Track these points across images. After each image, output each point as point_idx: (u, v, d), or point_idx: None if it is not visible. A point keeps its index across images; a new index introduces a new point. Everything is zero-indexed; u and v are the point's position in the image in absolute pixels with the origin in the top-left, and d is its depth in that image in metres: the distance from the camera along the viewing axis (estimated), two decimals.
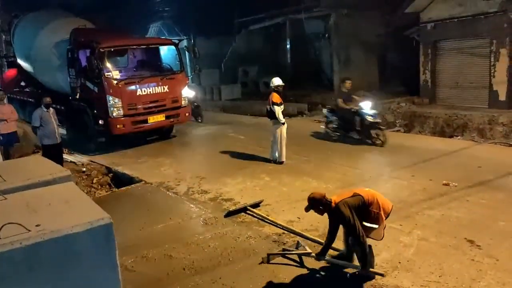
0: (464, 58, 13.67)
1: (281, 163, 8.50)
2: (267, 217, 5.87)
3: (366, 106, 9.49)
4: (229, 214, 6.08)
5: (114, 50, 10.73)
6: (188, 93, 12.50)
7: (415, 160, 8.16)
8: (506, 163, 7.74)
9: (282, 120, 8.38)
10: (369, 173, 7.68)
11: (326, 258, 4.44)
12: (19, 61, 13.61)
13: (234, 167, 8.57)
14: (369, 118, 9.39)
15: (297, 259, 4.70)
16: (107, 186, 8.59)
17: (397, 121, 13.44)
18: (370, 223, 4.09)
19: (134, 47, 11.64)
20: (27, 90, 14.17)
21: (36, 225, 1.82)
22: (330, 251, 4.54)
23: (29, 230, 1.77)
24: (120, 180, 8.58)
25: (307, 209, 4.25)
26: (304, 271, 4.49)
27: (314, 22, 19.07)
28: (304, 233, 5.26)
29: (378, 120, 9.59)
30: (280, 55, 21.37)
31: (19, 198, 2.22)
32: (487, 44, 12.78)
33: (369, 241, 4.20)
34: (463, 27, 13.22)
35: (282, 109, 8.38)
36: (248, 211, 6.12)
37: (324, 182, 7.25)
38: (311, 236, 5.16)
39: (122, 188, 7.93)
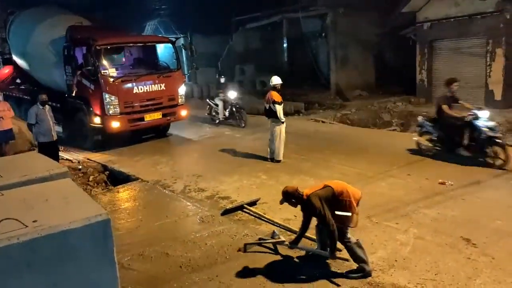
0: (460, 57, 13.71)
1: (279, 161, 8.51)
2: (264, 215, 5.87)
3: (483, 115, 7.54)
4: (226, 212, 6.08)
5: (111, 48, 10.70)
6: (231, 94, 12.49)
7: (410, 159, 8.19)
8: None
9: (283, 119, 8.40)
10: (366, 172, 7.69)
11: (298, 246, 4.73)
12: (15, 58, 13.50)
13: (231, 165, 8.56)
14: (487, 131, 7.40)
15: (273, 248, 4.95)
16: (103, 184, 8.57)
17: (393, 120, 13.48)
18: (343, 211, 4.26)
19: (131, 44, 11.60)
20: (23, 87, 14.06)
21: (33, 221, 1.81)
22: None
23: (26, 226, 1.76)
24: (116, 178, 8.56)
25: (281, 202, 4.50)
26: (295, 266, 4.50)
27: (311, 21, 19.08)
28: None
29: (499, 134, 7.64)
30: (277, 54, 21.38)
31: (16, 194, 2.21)
32: (483, 44, 12.84)
33: (357, 235, 4.40)
34: (459, 27, 13.27)
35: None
36: (244, 209, 6.13)
37: (321, 181, 7.23)
38: (307, 234, 5.16)
39: (118, 186, 7.91)
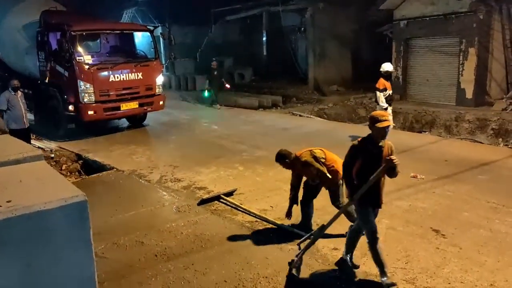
0: (434, 56, 14.05)
1: None
2: (240, 205, 5.90)
3: None
4: (203, 202, 6.08)
5: (86, 34, 10.46)
6: None
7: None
8: (471, 158, 8.05)
9: (383, 106, 8.47)
10: None
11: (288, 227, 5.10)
12: None
13: (208, 156, 8.54)
14: None
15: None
16: (77, 173, 8.42)
17: (368, 116, 13.72)
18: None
19: (108, 31, 11.35)
20: None
21: (7, 201, 1.77)
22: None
23: (0, 206, 1.72)
24: (91, 167, 8.42)
25: (276, 160, 5.00)
26: (279, 254, 4.55)
27: (290, 15, 19.15)
28: (276, 221, 5.33)
29: None
30: (256, 47, 21.38)
31: None
32: (457, 43, 13.18)
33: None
34: (434, 26, 13.58)
35: (386, 95, 8.50)
36: (221, 200, 6.14)
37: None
38: (285, 225, 5.23)
39: (92, 175, 7.78)
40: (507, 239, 4.81)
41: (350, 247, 4.27)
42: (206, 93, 14.90)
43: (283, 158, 4.93)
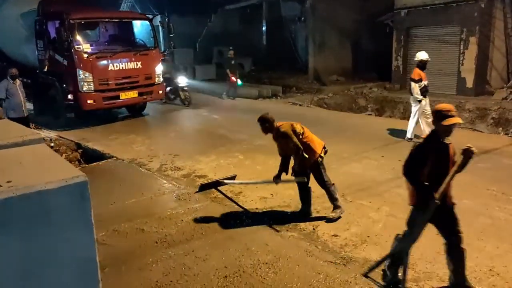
0: (435, 45, 13.97)
1: (410, 139, 8.18)
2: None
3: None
4: (202, 188, 6.06)
5: (85, 22, 10.39)
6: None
7: (385, 142, 8.37)
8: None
9: (418, 97, 8.01)
10: (341, 153, 7.80)
11: (282, 180, 5.19)
12: None
13: (208, 145, 8.53)
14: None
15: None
16: (77, 162, 8.39)
17: (368, 106, 13.70)
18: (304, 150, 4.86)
19: (107, 20, 11.28)
20: None
21: (8, 181, 1.76)
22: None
23: (0, 186, 1.71)
24: (90, 156, 8.40)
25: (258, 120, 5.10)
26: (279, 241, 4.56)
27: (290, 4, 19.03)
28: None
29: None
30: (256, 37, 21.27)
31: None
32: (458, 32, 13.12)
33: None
34: (435, 15, 13.49)
35: (421, 86, 7.97)
36: (218, 188, 6.11)
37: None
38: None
39: (92, 164, 7.78)
40: (506, 226, 4.82)
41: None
42: (239, 82, 14.17)
43: (264, 122, 5.02)
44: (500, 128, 10.75)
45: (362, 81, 16.36)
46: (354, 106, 13.89)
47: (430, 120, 8.38)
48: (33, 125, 9.89)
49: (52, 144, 8.79)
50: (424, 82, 8.07)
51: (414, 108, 8.22)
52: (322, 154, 5.02)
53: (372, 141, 8.42)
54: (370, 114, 12.61)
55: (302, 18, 19.04)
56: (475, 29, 12.55)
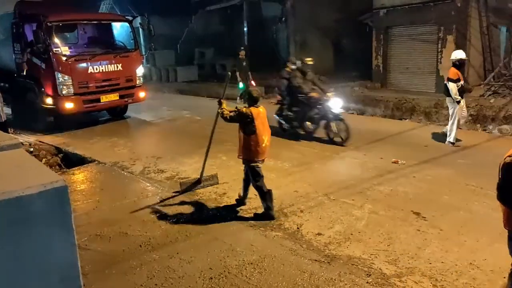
0: (413, 44, 14.18)
1: (452, 143, 7.97)
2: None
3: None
4: (184, 189, 6.06)
5: (63, 25, 10.21)
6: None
7: (367, 140, 8.47)
8: None
9: (457, 98, 7.72)
10: (324, 152, 7.89)
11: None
12: None
13: (191, 147, 8.49)
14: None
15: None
16: (57, 167, 8.25)
17: (350, 105, 13.81)
18: (248, 132, 5.06)
19: (85, 22, 11.13)
20: None
21: None
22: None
23: None
24: (71, 161, 8.27)
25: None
26: (264, 241, 4.57)
27: (271, 5, 19.09)
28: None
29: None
30: (237, 38, 21.20)
31: None
32: (435, 31, 13.33)
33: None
34: (413, 14, 13.69)
35: (459, 87, 7.68)
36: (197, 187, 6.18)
37: (281, 161, 7.37)
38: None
39: (73, 168, 7.65)
40: (485, 220, 4.93)
41: None
42: (240, 85, 13.22)
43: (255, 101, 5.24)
44: (478, 125, 10.98)
45: (344, 80, 16.50)
46: None
47: (463, 121, 8.29)
48: (12, 130, 9.68)
49: (32, 149, 8.62)
50: (461, 82, 7.81)
51: (452, 110, 7.93)
52: (260, 158, 5.15)
53: (354, 140, 8.49)
54: (352, 113, 12.71)
55: (283, 18, 19.11)
56: (452, 28, 12.79)
